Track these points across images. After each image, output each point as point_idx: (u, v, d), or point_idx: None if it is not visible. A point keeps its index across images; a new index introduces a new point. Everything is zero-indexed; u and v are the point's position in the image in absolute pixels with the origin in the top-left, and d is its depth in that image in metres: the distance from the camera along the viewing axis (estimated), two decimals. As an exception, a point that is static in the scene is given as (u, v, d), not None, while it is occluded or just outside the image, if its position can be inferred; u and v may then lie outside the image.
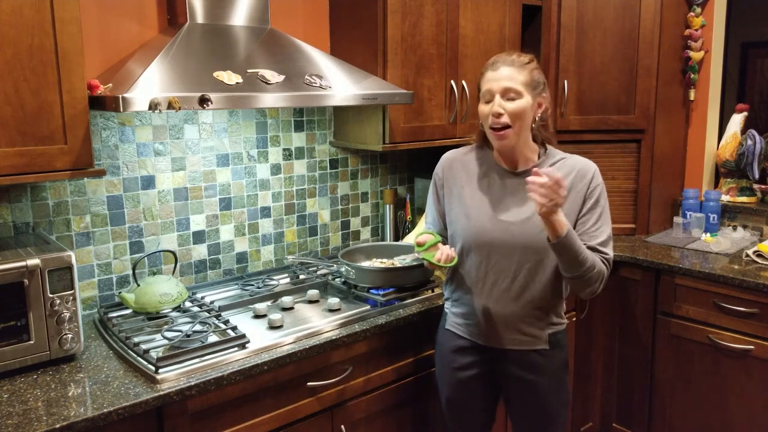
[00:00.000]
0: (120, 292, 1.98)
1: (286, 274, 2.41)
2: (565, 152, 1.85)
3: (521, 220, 1.75)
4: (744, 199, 3.03)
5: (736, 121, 3.08)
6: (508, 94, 1.69)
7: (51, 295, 1.66)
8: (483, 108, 1.74)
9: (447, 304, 1.96)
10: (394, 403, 2.10)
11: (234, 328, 1.85)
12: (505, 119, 1.69)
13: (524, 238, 1.73)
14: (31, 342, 1.65)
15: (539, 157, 1.81)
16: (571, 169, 1.78)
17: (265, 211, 2.48)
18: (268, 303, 2.11)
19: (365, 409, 2.02)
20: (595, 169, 1.79)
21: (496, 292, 1.79)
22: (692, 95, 3.09)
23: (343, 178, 2.71)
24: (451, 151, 1.94)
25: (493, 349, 1.84)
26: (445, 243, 1.83)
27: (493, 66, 1.73)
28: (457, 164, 1.89)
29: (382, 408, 2.06)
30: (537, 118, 1.77)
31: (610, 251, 1.77)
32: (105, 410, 1.47)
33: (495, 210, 1.78)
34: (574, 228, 1.74)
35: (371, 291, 2.15)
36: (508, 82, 1.68)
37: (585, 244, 1.71)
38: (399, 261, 2.24)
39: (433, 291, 2.22)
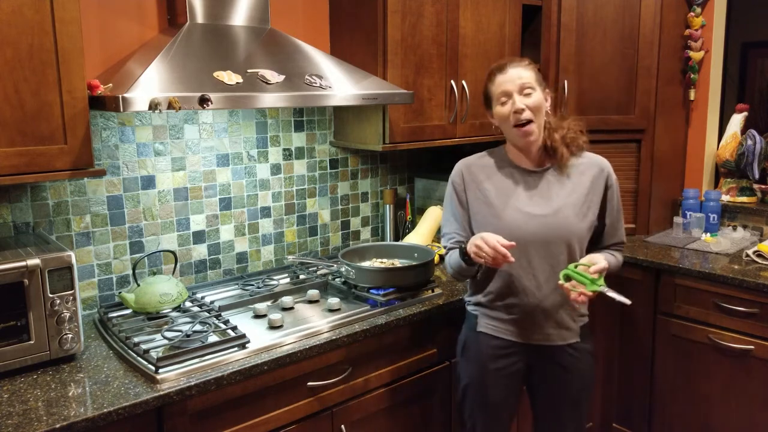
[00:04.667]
0: (120, 292, 1.99)
1: (286, 274, 2.41)
2: None
3: (554, 211, 1.81)
4: (744, 199, 3.02)
5: (736, 121, 3.08)
6: (524, 90, 1.78)
7: (51, 295, 1.66)
8: (502, 110, 1.80)
9: (474, 307, 1.94)
10: (394, 403, 2.10)
11: (234, 328, 1.85)
12: (527, 114, 1.77)
13: (559, 228, 1.80)
14: (31, 342, 1.65)
15: None
16: (591, 164, 1.90)
17: (265, 211, 2.48)
18: (268, 303, 2.11)
19: (365, 409, 2.02)
20: (609, 164, 1.93)
21: (534, 287, 1.82)
22: (692, 95, 3.08)
23: (343, 178, 2.71)
24: (465, 158, 1.96)
25: (531, 346, 1.87)
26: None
27: (500, 70, 1.81)
28: (475, 168, 1.91)
29: (382, 408, 2.06)
30: (548, 111, 1.86)
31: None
32: (105, 410, 1.47)
33: (526, 207, 1.82)
34: (603, 221, 1.90)
35: (371, 291, 2.14)
36: (521, 79, 1.78)
37: (608, 242, 1.93)
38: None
39: (433, 291, 2.22)
